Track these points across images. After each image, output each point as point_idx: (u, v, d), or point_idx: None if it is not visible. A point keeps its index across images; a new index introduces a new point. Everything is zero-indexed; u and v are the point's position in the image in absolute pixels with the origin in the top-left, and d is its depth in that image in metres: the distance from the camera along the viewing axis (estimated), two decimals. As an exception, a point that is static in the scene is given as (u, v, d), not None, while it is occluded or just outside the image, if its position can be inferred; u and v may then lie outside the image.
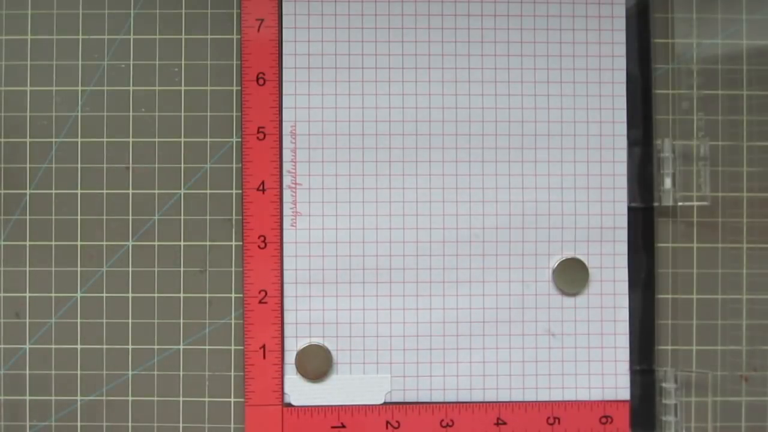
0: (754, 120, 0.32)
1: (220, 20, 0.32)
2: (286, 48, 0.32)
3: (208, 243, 0.32)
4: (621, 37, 0.32)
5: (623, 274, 0.32)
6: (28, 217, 0.32)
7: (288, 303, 0.32)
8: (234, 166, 0.32)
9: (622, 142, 0.32)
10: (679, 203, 0.32)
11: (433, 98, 0.32)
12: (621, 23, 0.32)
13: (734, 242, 0.32)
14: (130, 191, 0.32)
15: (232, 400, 0.32)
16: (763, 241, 0.32)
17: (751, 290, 0.32)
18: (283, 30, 0.32)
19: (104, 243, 0.32)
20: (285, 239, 0.32)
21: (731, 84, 0.32)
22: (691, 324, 0.32)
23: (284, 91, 0.32)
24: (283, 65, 0.32)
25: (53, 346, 0.32)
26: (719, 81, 0.32)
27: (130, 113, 0.32)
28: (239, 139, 0.32)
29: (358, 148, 0.32)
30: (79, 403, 0.32)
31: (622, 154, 0.32)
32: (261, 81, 0.32)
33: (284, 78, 0.32)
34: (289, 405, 0.32)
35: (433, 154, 0.32)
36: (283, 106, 0.32)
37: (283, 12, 0.32)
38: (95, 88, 0.32)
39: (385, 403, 0.32)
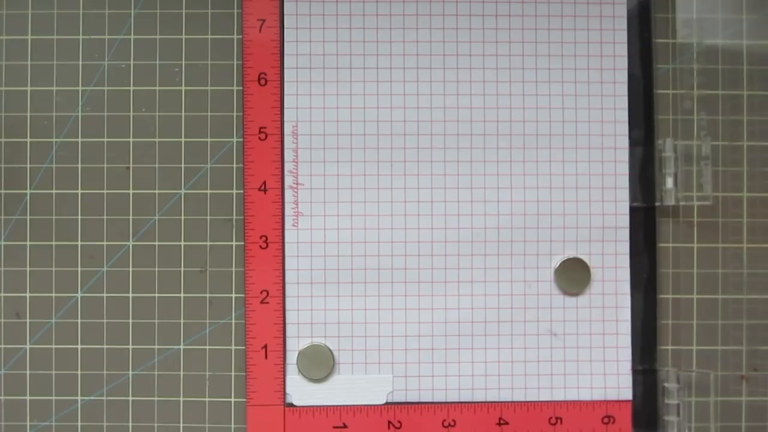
0: (755, 120, 0.32)
1: (221, 20, 0.32)
2: (288, 48, 0.32)
3: (208, 243, 0.32)
4: (622, 36, 0.32)
5: (625, 273, 0.32)
6: (28, 217, 0.32)
7: (290, 303, 0.31)
8: (234, 166, 0.32)
9: (624, 141, 0.32)
10: (681, 203, 0.32)
11: (434, 98, 0.32)
12: (622, 23, 0.32)
13: (735, 242, 0.32)
14: (131, 191, 0.32)
15: (233, 400, 0.32)
16: (764, 241, 0.32)
17: (751, 290, 0.32)
18: (285, 30, 0.32)
19: (104, 243, 0.32)
20: (287, 239, 0.32)
21: (732, 84, 0.33)
22: (692, 324, 0.32)
23: (286, 92, 0.32)
24: (285, 65, 0.32)
25: (53, 346, 0.32)
26: (720, 81, 0.33)
27: (131, 113, 0.32)
28: (239, 139, 0.32)
29: (360, 148, 0.32)
30: (79, 403, 0.32)
31: (624, 154, 0.32)
32: (263, 81, 0.31)
33: (286, 78, 0.32)
34: (291, 405, 0.32)
35: (435, 154, 0.32)
36: (285, 106, 0.32)
37: (285, 12, 0.32)
38: (95, 88, 0.32)
39: (386, 403, 0.32)
